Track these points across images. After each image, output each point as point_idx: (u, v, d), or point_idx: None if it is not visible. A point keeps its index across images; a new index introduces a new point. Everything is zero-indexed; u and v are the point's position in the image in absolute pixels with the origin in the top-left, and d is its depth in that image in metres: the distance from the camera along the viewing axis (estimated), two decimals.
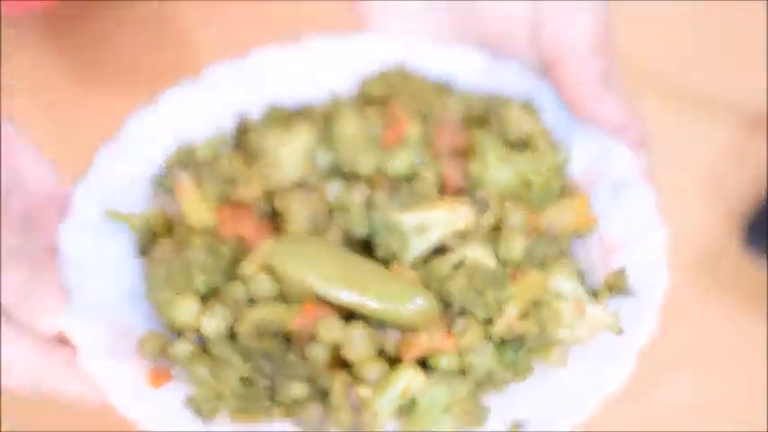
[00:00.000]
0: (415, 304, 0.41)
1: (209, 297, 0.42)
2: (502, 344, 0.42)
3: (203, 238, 0.43)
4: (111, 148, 0.46)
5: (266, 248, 0.42)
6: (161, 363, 0.41)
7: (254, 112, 0.48)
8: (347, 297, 0.41)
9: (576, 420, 0.40)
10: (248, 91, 0.48)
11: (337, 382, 0.40)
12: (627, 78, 0.83)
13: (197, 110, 0.48)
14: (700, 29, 0.87)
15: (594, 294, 0.43)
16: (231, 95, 0.48)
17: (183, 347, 0.41)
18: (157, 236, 0.45)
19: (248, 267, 0.42)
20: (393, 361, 0.41)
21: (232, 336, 0.41)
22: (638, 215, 0.45)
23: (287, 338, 0.41)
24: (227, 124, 0.48)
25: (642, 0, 0.89)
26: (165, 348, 0.42)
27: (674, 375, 0.66)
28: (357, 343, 0.40)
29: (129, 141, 0.47)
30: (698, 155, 0.78)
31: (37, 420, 0.66)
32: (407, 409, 0.40)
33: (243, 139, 0.47)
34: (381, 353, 0.41)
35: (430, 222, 0.43)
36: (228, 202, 0.45)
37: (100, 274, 0.44)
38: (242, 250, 0.43)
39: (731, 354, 0.67)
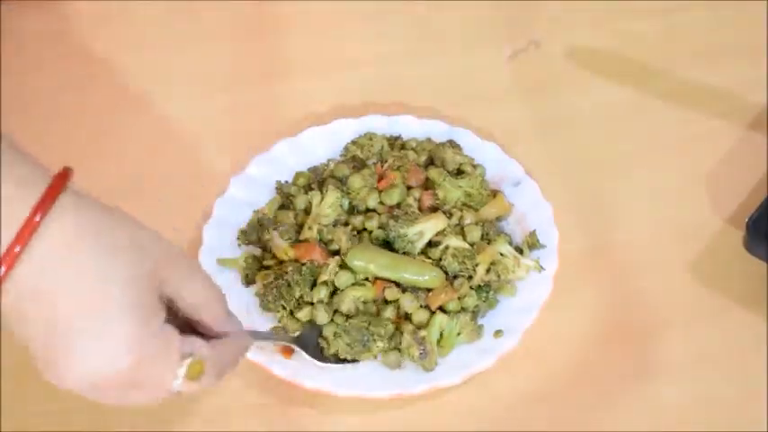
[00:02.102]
0: (431, 275, 0.68)
1: (301, 300, 0.69)
2: (479, 289, 0.69)
3: (293, 265, 0.69)
4: (211, 225, 0.73)
5: (345, 252, 0.69)
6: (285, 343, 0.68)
7: (287, 177, 0.76)
8: (394, 275, 0.69)
9: (528, 323, 0.67)
10: (293, 160, 0.77)
11: (406, 330, 0.67)
12: (627, 77, 0.84)
13: (265, 176, 0.76)
14: (701, 27, 0.87)
15: (521, 250, 0.71)
16: (285, 164, 0.77)
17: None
18: (252, 271, 0.71)
19: (328, 273, 0.68)
20: (424, 309, 0.68)
21: (332, 319, 0.68)
22: (531, 197, 0.73)
23: (368, 313, 0.68)
24: (275, 187, 0.76)
25: (643, 0, 0.89)
26: (288, 334, 0.68)
27: (674, 375, 0.66)
28: (408, 300, 0.68)
29: (219, 215, 0.74)
30: (698, 154, 0.78)
31: (37, 421, 0.66)
32: (439, 337, 0.67)
33: (287, 200, 0.75)
34: (421, 306, 0.68)
35: (422, 230, 0.70)
36: (298, 242, 0.71)
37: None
38: (316, 268, 0.69)
39: (731, 353, 0.67)
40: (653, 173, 0.77)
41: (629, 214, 0.75)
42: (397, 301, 0.68)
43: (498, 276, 0.69)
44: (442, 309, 0.68)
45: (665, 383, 0.66)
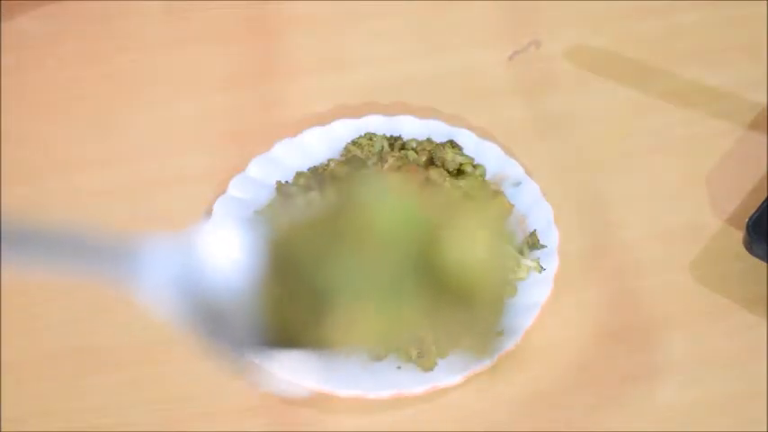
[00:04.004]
0: None
1: None
2: None
3: None
4: (211, 225, 0.72)
5: None
6: None
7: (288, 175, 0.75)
8: None
9: (528, 323, 0.66)
10: (296, 159, 0.77)
11: None
12: (627, 77, 0.84)
13: (265, 176, 0.76)
14: (701, 27, 0.88)
15: (521, 250, 0.70)
16: (285, 164, 0.77)
17: None
18: None
19: None
20: None
21: None
22: (531, 197, 0.73)
23: None
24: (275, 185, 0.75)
25: (643, 0, 0.89)
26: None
27: (674, 375, 0.66)
28: None
29: (219, 215, 0.73)
30: (698, 154, 0.78)
31: (37, 421, 0.66)
32: None
33: (287, 199, 0.74)
34: None
35: None
36: None
37: None
38: None
39: (731, 354, 0.67)
40: (653, 173, 0.77)
41: (629, 214, 0.75)
42: None
43: None
44: None
45: (665, 383, 0.66)
